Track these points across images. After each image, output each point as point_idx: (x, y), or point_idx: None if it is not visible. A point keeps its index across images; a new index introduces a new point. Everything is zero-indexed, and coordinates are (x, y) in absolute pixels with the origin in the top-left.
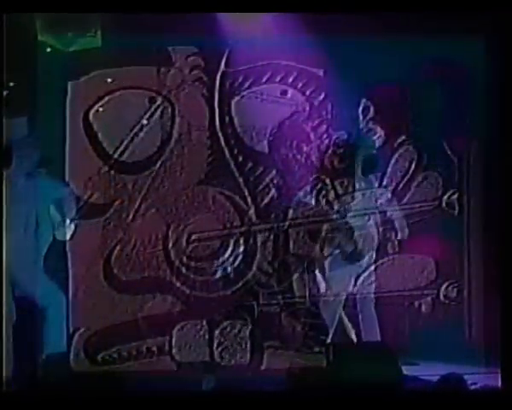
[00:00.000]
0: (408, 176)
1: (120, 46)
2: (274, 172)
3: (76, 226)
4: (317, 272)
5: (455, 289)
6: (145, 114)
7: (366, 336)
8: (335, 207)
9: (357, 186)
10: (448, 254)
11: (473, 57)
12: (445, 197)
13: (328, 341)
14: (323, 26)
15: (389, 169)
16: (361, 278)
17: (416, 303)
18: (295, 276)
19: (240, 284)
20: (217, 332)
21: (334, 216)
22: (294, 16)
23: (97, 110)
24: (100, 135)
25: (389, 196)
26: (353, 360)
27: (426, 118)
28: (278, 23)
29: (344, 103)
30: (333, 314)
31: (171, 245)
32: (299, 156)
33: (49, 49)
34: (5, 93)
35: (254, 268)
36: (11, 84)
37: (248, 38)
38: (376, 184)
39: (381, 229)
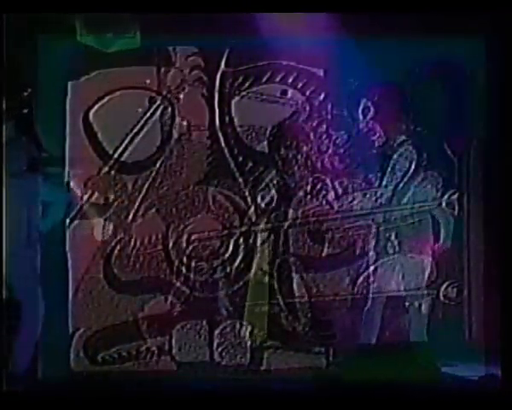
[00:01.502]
0: (408, 176)
1: (158, 46)
2: (274, 172)
3: (76, 226)
4: (316, 272)
5: (455, 289)
6: (145, 114)
7: (365, 337)
8: (335, 208)
9: (357, 186)
10: (448, 254)
11: (473, 57)
12: (445, 197)
13: (373, 341)
14: (323, 26)
15: (389, 169)
16: (361, 279)
17: (416, 303)
18: (295, 276)
19: (240, 283)
20: (217, 332)
21: (334, 216)
22: (294, 16)
23: (97, 110)
24: (100, 135)
25: (389, 196)
26: (353, 360)
27: (426, 118)
28: (278, 23)
29: (344, 103)
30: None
31: (171, 245)
32: (299, 156)
33: (87, 50)
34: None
35: (254, 268)
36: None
37: (248, 38)
38: (376, 184)
39: (381, 229)
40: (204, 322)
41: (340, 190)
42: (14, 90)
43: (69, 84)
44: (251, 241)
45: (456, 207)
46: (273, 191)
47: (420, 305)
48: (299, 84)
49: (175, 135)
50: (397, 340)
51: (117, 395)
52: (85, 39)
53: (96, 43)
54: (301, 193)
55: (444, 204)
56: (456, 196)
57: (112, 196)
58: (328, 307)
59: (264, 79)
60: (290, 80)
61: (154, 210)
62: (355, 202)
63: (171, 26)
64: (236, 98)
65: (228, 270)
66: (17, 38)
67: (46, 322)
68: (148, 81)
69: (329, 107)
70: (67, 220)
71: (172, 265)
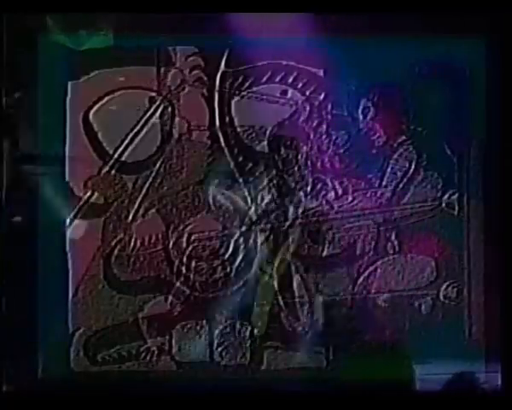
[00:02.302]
0: (408, 176)
1: (131, 45)
2: (274, 172)
3: (76, 226)
4: (316, 272)
5: (455, 290)
6: (145, 114)
7: (365, 337)
8: (335, 208)
9: (357, 186)
10: (448, 254)
11: (473, 57)
12: (445, 197)
13: (373, 342)
14: (323, 26)
15: (389, 169)
16: (361, 278)
17: (416, 303)
18: (295, 276)
19: (240, 283)
20: (217, 332)
21: (334, 216)
22: (294, 16)
23: (97, 110)
24: (100, 135)
25: (389, 196)
26: (353, 360)
27: (426, 118)
28: (278, 23)
29: (344, 103)
30: None
31: (171, 245)
32: (299, 156)
33: (60, 48)
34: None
35: (254, 268)
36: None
37: (248, 38)
38: (376, 184)
39: (381, 229)
40: (204, 322)
41: (340, 190)
42: (10, 89)
43: (69, 84)
44: (251, 241)
45: (456, 207)
46: (273, 191)
47: (420, 305)
48: (299, 84)
49: (175, 135)
50: (396, 340)
51: (117, 395)
52: (58, 38)
53: (68, 42)
54: (301, 193)
55: (444, 204)
56: (456, 196)
57: (112, 196)
58: (328, 307)
59: (264, 79)
60: (290, 80)
61: (154, 210)
62: (355, 202)
63: (170, 26)
64: (236, 98)
65: (228, 270)
66: (17, 38)
67: (46, 322)
68: (148, 81)
69: (329, 107)
70: (67, 220)
71: (172, 265)
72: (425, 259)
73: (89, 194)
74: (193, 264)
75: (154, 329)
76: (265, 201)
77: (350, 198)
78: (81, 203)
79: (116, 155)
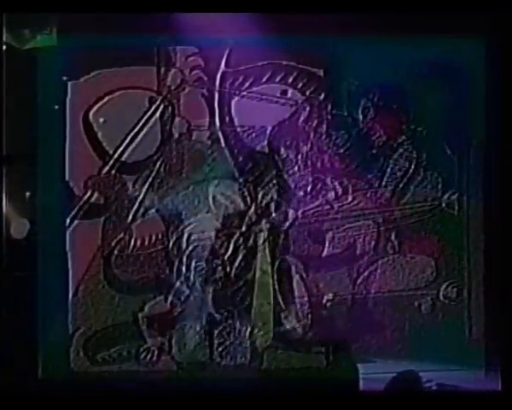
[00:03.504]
0: (408, 176)
1: (158, 46)
2: (274, 172)
3: (76, 226)
4: (316, 272)
5: (455, 290)
6: (145, 114)
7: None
8: (335, 208)
9: (357, 186)
10: (448, 254)
11: (473, 57)
12: (445, 197)
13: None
14: (323, 26)
15: (389, 169)
16: (361, 278)
17: (416, 303)
18: (295, 276)
19: (240, 283)
20: (217, 332)
21: (334, 216)
22: (295, 16)
23: (97, 110)
24: (100, 135)
25: (389, 196)
26: (353, 360)
27: (426, 118)
28: (278, 23)
29: (344, 103)
30: None
31: (171, 245)
32: (299, 156)
33: (5, 47)
34: None
35: (254, 268)
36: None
37: (248, 38)
38: (376, 184)
39: (381, 229)
40: (204, 322)
41: (340, 190)
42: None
43: (69, 84)
44: (251, 241)
45: (456, 207)
46: (273, 191)
47: (420, 305)
48: (299, 84)
49: (175, 135)
50: (395, 339)
51: (117, 395)
52: (6, 37)
53: (13, 41)
54: (301, 193)
55: (444, 204)
56: (456, 196)
57: (112, 196)
58: (328, 307)
59: (264, 79)
60: (290, 80)
61: (154, 210)
62: (355, 202)
63: (170, 26)
64: (236, 98)
65: (228, 270)
66: (17, 38)
67: (46, 322)
68: (148, 81)
69: (329, 107)
70: (67, 220)
71: (172, 265)
72: (425, 259)
73: (89, 194)
74: (193, 264)
75: (154, 329)
76: (265, 201)
77: (350, 198)
78: (81, 203)
79: (116, 155)
